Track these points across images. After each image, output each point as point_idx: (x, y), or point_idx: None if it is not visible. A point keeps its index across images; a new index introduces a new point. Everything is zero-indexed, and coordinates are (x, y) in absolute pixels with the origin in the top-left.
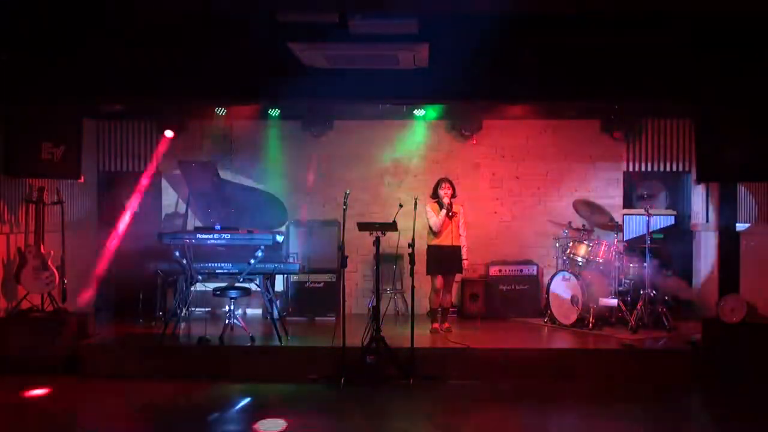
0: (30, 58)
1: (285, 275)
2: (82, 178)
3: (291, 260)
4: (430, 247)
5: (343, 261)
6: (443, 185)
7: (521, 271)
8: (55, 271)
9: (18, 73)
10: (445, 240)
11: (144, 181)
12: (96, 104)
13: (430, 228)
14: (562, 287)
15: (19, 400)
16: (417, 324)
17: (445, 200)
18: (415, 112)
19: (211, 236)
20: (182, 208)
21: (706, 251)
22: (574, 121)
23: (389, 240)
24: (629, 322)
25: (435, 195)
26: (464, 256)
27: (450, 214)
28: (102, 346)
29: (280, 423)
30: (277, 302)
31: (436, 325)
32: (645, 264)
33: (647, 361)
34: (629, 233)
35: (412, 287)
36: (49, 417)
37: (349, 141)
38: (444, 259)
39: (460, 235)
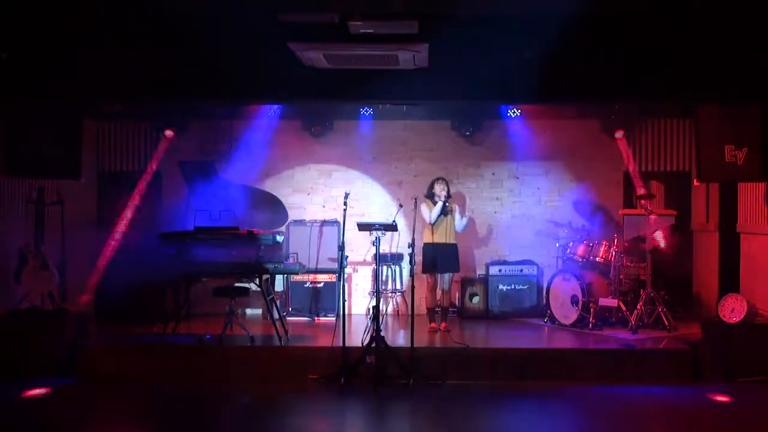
0: (30, 57)
1: (285, 275)
2: (82, 178)
3: (291, 260)
4: (425, 246)
5: (343, 261)
6: (439, 182)
7: (521, 271)
8: (55, 271)
9: (18, 72)
10: (440, 238)
11: (144, 181)
12: (96, 104)
13: (427, 224)
14: (562, 287)
15: (19, 401)
16: (417, 324)
17: (443, 194)
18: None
19: (211, 236)
20: (182, 208)
21: (707, 251)
22: (574, 121)
23: (389, 240)
24: (629, 322)
25: (430, 194)
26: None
27: (446, 206)
28: (102, 345)
29: None
30: (277, 302)
31: (433, 324)
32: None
33: (647, 361)
34: (629, 233)
35: (412, 287)
36: (49, 417)
37: (349, 141)
38: (439, 258)
39: (456, 235)
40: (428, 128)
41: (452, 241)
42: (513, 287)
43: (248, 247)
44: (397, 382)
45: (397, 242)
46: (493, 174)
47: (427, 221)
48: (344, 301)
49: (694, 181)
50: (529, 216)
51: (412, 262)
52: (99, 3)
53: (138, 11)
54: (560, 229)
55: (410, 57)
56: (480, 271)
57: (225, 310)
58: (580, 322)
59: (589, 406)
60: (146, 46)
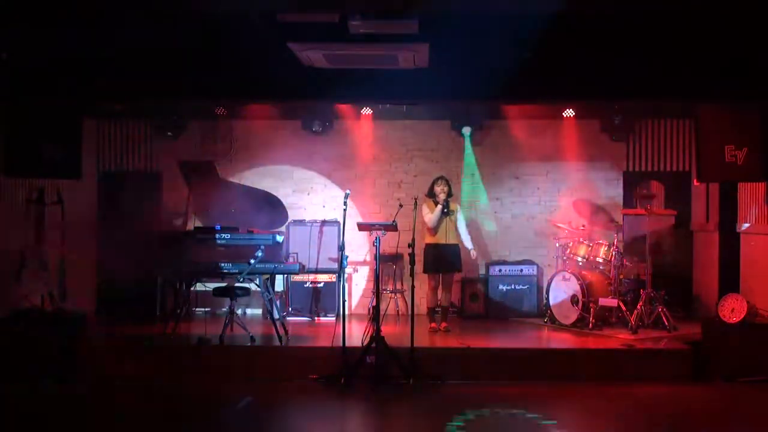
0: (30, 57)
1: (285, 275)
2: (82, 177)
3: (291, 260)
4: (427, 246)
5: (343, 261)
6: (439, 183)
7: (521, 271)
8: (55, 271)
9: (18, 72)
10: (441, 239)
11: (144, 180)
12: (96, 104)
13: (427, 226)
14: (562, 287)
15: (20, 401)
16: (417, 324)
17: (441, 196)
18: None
19: (210, 236)
20: (182, 208)
21: (707, 251)
22: (574, 121)
23: (389, 240)
24: (629, 322)
25: (431, 194)
26: (473, 255)
27: (446, 210)
28: (102, 345)
29: None
30: (277, 302)
31: (434, 324)
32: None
33: (647, 361)
34: (629, 233)
35: (412, 287)
36: (50, 418)
37: (349, 141)
38: (441, 258)
39: (458, 235)
40: (428, 128)
41: (453, 241)
42: (513, 287)
43: (248, 247)
44: (397, 382)
45: (397, 242)
46: (493, 174)
47: (429, 225)
48: (344, 301)
49: (694, 181)
50: (529, 216)
51: (412, 262)
52: (99, 3)
53: (137, 11)
54: (560, 229)
55: (410, 57)
56: (480, 271)
57: (225, 310)
58: (580, 322)
59: (590, 406)
60: (146, 46)
